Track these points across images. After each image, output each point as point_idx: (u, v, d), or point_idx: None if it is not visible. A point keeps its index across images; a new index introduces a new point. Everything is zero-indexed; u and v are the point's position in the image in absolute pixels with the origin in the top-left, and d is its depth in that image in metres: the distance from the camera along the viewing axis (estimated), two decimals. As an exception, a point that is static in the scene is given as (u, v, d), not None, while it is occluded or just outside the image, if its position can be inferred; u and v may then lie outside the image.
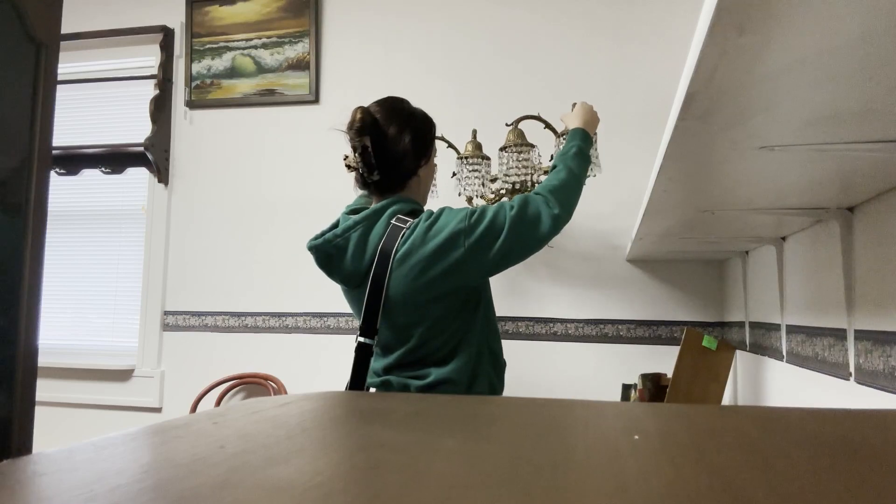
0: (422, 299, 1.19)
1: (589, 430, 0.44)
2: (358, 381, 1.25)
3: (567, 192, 1.21)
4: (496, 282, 2.15)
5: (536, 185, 1.55)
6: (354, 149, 1.22)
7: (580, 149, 1.29)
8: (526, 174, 1.64)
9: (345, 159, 1.26)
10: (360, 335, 1.22)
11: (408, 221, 1.19)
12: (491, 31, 2.23)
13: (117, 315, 2.55)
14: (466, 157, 1.73)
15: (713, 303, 2.00)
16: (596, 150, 1.59)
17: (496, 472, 0.32)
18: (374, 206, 1.23)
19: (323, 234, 1.24)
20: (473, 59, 2.24)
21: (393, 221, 1.20)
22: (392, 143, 1.23)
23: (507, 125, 1.69)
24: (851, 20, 0.39)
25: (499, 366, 1.31)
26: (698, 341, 1.71)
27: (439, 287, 1.18)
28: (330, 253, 1.23)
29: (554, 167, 1.26)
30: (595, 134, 1.49)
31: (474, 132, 1.76)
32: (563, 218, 1.18)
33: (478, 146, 1.74)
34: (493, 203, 1.47)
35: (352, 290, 1.26)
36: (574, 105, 1.44)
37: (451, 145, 1.82)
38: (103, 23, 2.58)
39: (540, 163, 1.69)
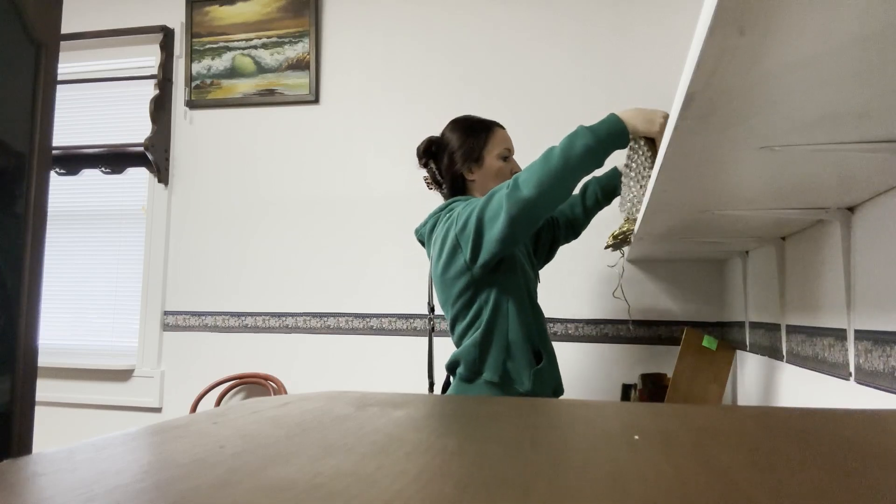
0: (436, 278, 1.37)
1: (589, 430, 0.44)
2: (431, 351, 1.62)
3: (530, 171, 1.18)
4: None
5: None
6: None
7: (575, 133, 1.19)
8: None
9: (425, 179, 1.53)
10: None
11: None
12: (491, 31, 2.23)
13: (117, 315, 2.55)
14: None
15: (713, 303, 2.00)
16: (638, 153, 1.26)
17: (496, 472, 0.32)
18: (441, 203, 1.42)
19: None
20: (473, 59, 2.24)
21: None
22: (442, 158, 1.45)
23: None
24: (851, 20, 0.39)
25: (531, 363, 1.31)
26: (698, 341, 1.70)
27: (445, 268, 1.32)
28: (420, 240, 1.46)
29: None
30: (645, 138, 1.23)
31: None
32: (518, 197, 1.16)
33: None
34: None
35: None
36: None
37: None
38: (103, 23, 2.58)
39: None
